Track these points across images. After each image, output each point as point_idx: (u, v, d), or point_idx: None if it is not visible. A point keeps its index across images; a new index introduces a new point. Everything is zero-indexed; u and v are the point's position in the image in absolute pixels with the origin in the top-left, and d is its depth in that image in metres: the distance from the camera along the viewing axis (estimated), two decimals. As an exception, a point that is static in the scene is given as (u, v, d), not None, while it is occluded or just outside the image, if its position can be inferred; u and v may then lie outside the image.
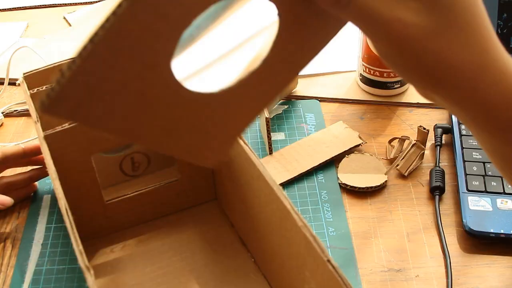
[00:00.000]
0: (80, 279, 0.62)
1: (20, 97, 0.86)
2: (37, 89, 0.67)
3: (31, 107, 0.64)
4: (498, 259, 0.65)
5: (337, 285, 0.45)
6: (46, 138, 0.57)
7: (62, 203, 0.51)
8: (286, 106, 0.85)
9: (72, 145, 0.59)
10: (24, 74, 0.68)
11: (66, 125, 0.58)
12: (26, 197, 0.71)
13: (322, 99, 0.86)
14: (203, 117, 0.42)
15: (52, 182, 0.53)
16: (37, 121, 0.61)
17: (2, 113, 0.83)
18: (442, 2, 0.35)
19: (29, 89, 0.66)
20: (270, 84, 0.43)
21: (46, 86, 0.67)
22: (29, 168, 0.72)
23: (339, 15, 0.37)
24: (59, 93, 0.33)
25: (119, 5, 0.31)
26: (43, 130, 0.58)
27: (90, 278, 0.44)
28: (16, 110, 0.84)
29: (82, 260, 0.46)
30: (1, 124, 0.83)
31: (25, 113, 0.84)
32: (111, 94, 0.36)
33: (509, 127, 0.38)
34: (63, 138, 0.58)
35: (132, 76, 0.35)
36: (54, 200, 0.71)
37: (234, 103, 0.42)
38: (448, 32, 0.35)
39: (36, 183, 0.72)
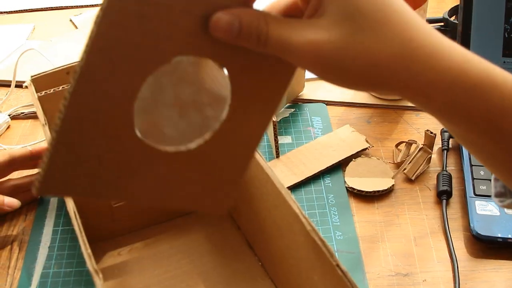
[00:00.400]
0: (87, 282, 0.62)
1: (27, 99, 0.86)
2: (45, 92, 0.67)
3: (38, 109, 0.64)
4: (505, 264, 0.64)
5: (346, 290, 0.45)
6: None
7: (70, 206, 0.51)
8: (292, 110, 0.85)
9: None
10: (31, 76, 0.68)
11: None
12: (33, 200, 0.71)
13: (328, 103, 0.86)
14: (191, 170, 0.42)
15: (60, 185, 0.53)
16: (45, 123, 0.61)
17: (9, 115, 0.83)
18: (347, 11, 0.35)
19: (36, 92, 0.67)
20: (248, 126, 0.43)
21: (54, 89, 0.67)
22: (36, 170, 0.72)
23: (264, 52, 0.37)
24: (43, 177, 0.36)
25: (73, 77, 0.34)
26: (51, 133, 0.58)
27: (99, 281, 0.44)
28: (23, 113, 0.84)
29: (90, 263, 0.46)
30: (8, 127, 0.83)
31: (32, 116, 0.84)
32: (90, 166, 0.38)
33: (456, 109, 0.37)
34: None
35: (104, 145, 0.38)
36: (61, 203, 0.71)
37: (219, 153, 0.43)
38: (361, 35, 0.35)
39: (43, 185, 0.72)
